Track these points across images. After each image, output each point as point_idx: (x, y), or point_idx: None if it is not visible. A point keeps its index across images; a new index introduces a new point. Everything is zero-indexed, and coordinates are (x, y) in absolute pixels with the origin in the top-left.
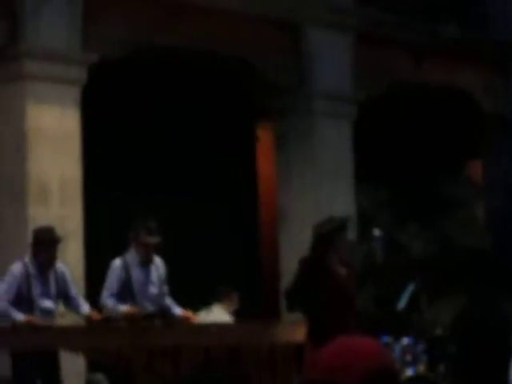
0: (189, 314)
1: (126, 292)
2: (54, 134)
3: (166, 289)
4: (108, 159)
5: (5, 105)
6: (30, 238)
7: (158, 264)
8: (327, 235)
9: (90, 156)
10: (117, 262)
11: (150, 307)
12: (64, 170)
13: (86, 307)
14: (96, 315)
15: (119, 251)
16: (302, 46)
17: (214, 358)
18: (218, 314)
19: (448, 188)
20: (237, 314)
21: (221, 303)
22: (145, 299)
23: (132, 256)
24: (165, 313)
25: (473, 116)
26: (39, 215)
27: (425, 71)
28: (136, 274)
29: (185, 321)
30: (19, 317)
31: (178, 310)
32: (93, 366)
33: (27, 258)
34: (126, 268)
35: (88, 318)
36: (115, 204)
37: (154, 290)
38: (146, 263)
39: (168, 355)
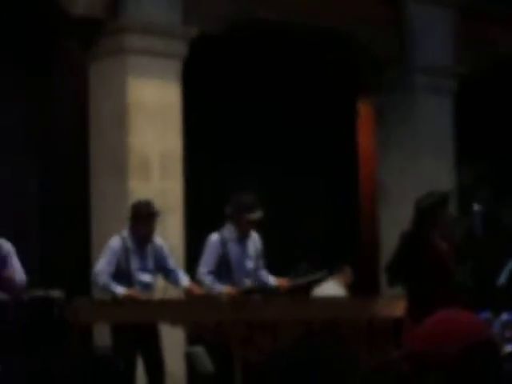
0: (283, 281)
1: (223, 268)
2: (155, 107)
3: (261, 263)
4: (208, 133)
5: (106, 79)
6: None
7: (255, 238)
8: (428, 210)
9: (190, 129)
10: (214, 237)
11: (247, 282)
12: (165, 143)
13: (185, 280)
14: (196, 289)
15: (220, 225)
16: (403, 20)
17: (312, 331)
18: (333, 288)
19: None
20: (350, 287)
21: (335, 277)
22: (242, 274)
23: (229, 231)
24: (263, 287)
25: None
26: (140, 189)
27: None
28: (233, 249)
29: (280, 288)
30: (120, 290)
31: (272, 280)
32: (192, 339)
33: (125, 233)
34: (223, 243)
35: (188, 292)
36: (216, 177)
37: (250, 264)
38: (242, 238)
39: (267, 329)
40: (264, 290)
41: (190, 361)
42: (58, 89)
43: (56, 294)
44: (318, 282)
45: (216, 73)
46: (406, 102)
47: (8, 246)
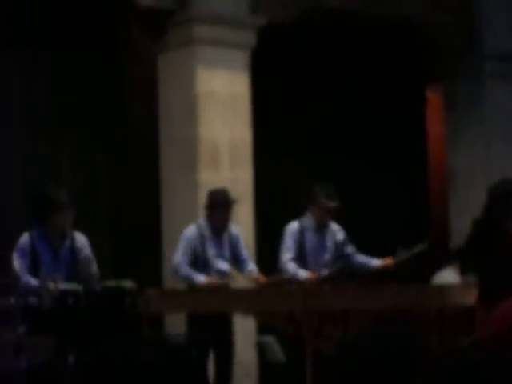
0: (388, 260)
1: (298, 256)
2: (224, 97)
3: (351, 249)
4: (278, 122)
5: (175, 70)
6: (200, 202)
7: (335, 229)
8: (502, 198)
9: (260, 119)
10: (294, 225)
11: (323, 273)
12: (234, 133)
13: (253, 269)
14: (263, 279)
15: (290, 214)
16: (471, 7)
17: (383, 320)
18: (452, 276)
19: None
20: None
21: (453, 265)
22: (317, 265)
23: (308, 220)
24: (346, 271)
25: None
26: (210, 179)
27: None
28: (310, 238)
29: (386, 268)
30: (201, 279)
31: (375, 262)
32: (263, 328)
33: (202, 221)
34: (301, 232)
35: (255, 281)
36: (285, 167)
37: (327, 255)
38: (321, 228)
39: (338, 319)
40: (346, 274)
41: (261, 350)
42: (128, 79)
43: (128, 284)
44: (420, 257)
45: (285, 62)
46: (476, 88)
47: (83, 239)
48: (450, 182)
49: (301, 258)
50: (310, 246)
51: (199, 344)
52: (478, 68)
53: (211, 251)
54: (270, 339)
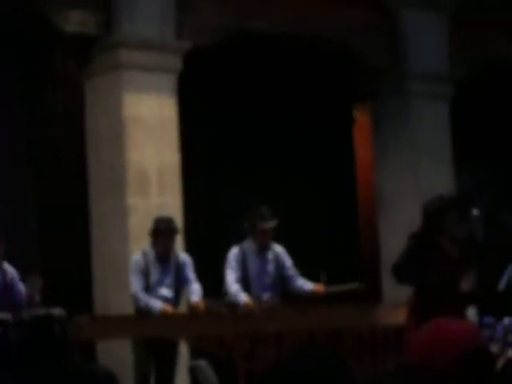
0: (319, 286)
1: (241, 280)
2: (152, 122)
3: (293, 273)
4: (206, 145)
5: (102, 95)
6: (129, 227)
7: (278, 251)
8: (435, 213)
9: (188, 143)
10: (234, 250)
11: (265, 296)
12: (162, 157)
13: (195, 296)
14: (202, 306)
15: (219, 239)
16: (397, 27)
17: (315, 341)
18: None
19: None
20: None
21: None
22: (260, 288)
23: (249, 244)
24: (286, 298)
25: None
26: (138, 204)
27: None
28: (252, 262)
29: (317, 294)
30: (158, 305)
31: (308, 286)
32: (195, 353)
33: (147, 247)
34: (243, 256)
35: (192, 309)
36: (214, 191)
37: (268, 279)
38: (263, 251)
39: (270, 341)
40: (283, 300)
41: (194, 374)
42: (55, 106)
43: (57, 311)
44: (350, 292)
45: (212, 85)
46: (403, 108)
47: (12, 270)
48: (378, 202)
49: (244, 282)
50: (253, 270)
51: (142, 367)
52: (405, 88)
53: (154, 278)
54: (202, 363)
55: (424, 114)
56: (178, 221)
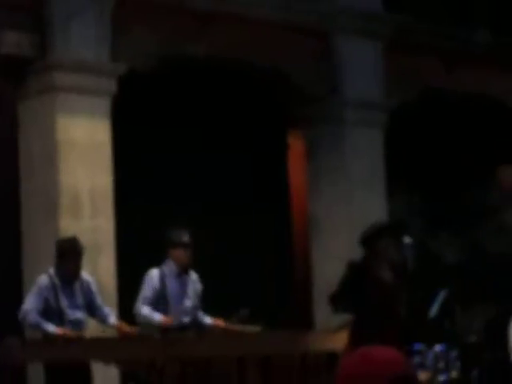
0: (219, 321)
1: (160, 302)
2: (85, 145)
3: (199, 303)
4: (140, 169)
5: (36, 117)
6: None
7: (194, 278)
8: (369, 240)
9: (121, 167)
10: (153, 272)
11: (184, 319)
12: (95, 181)
13: (112, 318)
14: (125, 327)
15: (152, 262)
16: (332, 54)
17: (246, 367)
18: None
19: (480, 194)
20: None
21: None
22: (179, 311)
23: (169, 267)
24: (198, 325)
25: (506, 122)
26: (71, 227)
27: (456, 78)
28: (172, 285)
29: (216, 329)
30: (52, 329)
31: (208, 320)
32: (126, 377)
33: (52, 270)
34: (162, 278)
35: (118, 329)
36: (148, 215)
37: (188, 302)
38: (182, 274)
39: (200, 366)
40: (198, 327)
41: None
42: None
43: None
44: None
45: (147, 109)
46: (336, 135)
47: None
48: (312, 230)
49: (163, 305)
50: (172, 292)
51: None
52: (339, 115)
53: (64, 301)
54: None
55: (358, 141)
56: (111, 244)
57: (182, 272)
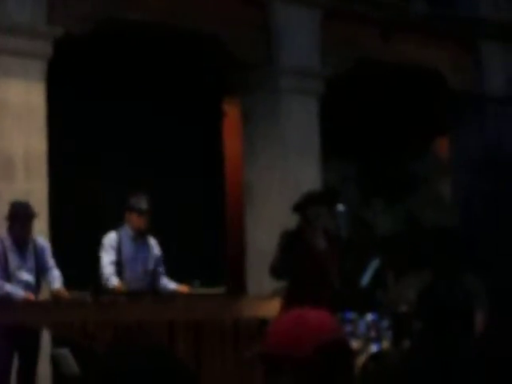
0: (183, 287)
1: (115, 264)
2: (20, 107)
3: (161, 269)
4: (74, 133)
5: None
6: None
7: (152, 244)
8: (296, 207)
9: (56, 130)
10: (111, 235)
11: (136, 283)
12: (29, 143)
13: (57, 283)
14: (64, 293)
15: (84, 226)
16: (269, 22)
17: (177, 331)
18: None
19: (414, 165)
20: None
21: None
22: (132, 275)
23: (125, 231)
24: (158, 290)
25: (440, 93)
26: (3, 190)
27: (393, 47)
28: (126, 249)
29: (180, 294)
30: (20, 293)
31: (172, 286)
32: (57, 341)
33: (4, 233)
34: (118, 242)
35: (56, 294)
36: (81, 178)
37: (141, 267)
38: (138, 238)
39: (132, 330)
40: (154, 292)
41: (56, 362)
42: None
43: None
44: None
45: (82, 73)
46: (272, 102)
47: None
48: (246, 196)
49: (118, 268)
50: (127, 257)
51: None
52: (274, 82)
53: (14, 263)
54: (64, 351)
55: (293, 109)
56: (44, 207)
57: (138, 237)
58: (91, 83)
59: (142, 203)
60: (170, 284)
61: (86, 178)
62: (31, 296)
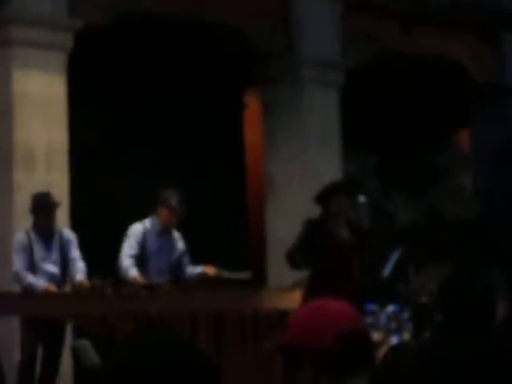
0: (209, 269)
1: (139, 259)
2: (41, 99)
3: (186, 260)
4: (95, 125)
5: None
6: (15, 204)
7: (177, 237)
8: (318, 198)
9: (77, 122)
10: (137, 227)
11: (161, 277)
12: (50, 136)
13: (79, 275)
14: (85, 285)
15: (106, 219)
16: (290, 13)
17: (198, 323)
18: None
19: (436, 156)
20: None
21: None
22: (156, 269)
23: (152, 224)
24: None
25: (462, 85)
26: (25, 182)
27: (413, 39)
28: (152, 242)
29: (206, 276)
30: (41, 284)
31: (198, 270)
32: (78, 333)
33: (29, 225)
34: (144, 234)
35: (76, 287)
36: (103, 171)
37: (166, 260)
38: (164, 233)
39: (153, 322)
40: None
41: (76, 354)
42: None
43: None
44: (239, 280)
45: (103, 65)
46: (293, 94)
47: None
48: (267, 188)
49: (142, 261)
50: (152, 250)
51: (29, 347)
52: (295, 74)
53: (39, 254)
54: (85, 343)
55: (314, 100)
56: (65, 200)
57: (164, 231)
58: (112, 75)
59: (175, 200)
60: (195, 269)
61: (107, 171)
62: (52, 288)
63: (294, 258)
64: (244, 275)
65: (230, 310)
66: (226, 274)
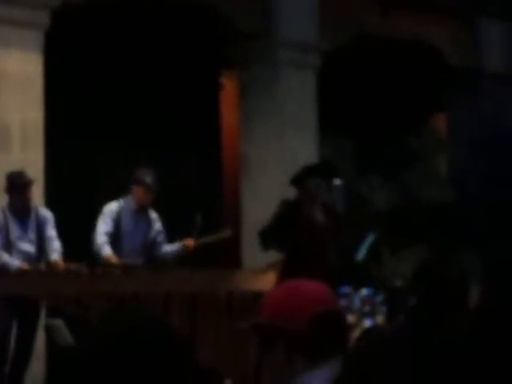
0: (188, 241)
1: (113, 236)
2: (17, 78)
3: (161, 238)
4: (71, 104)
5: None
6: None
7: (153, 217)
8: (294, 180)
9: (53, 100)
10: (112, 205)
11: (134, 256)
12: (26, 114)
13: (55, 254)
14: (60, 264)
15: (81, 197)
16: None
17: (172, 304)
18: None
19: (411, 140)
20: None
21: None
22: (130, 247)
23: (127, 203)
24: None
25: (439, 69)
26: (0, 160)
27: (391, 23)
28: (127, 220)
29: (187, 248)
30: (15, 263)
31: (175, 246)
32: (51, 312)
33: (5, 204)
34: (119, 213)
35: (51, 266)
36: (78, 149)
37: (140, 240)
38: (139, 213)
39: (127, 301)
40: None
41: (50, 333)
42: None
43: None
44: (222, 240)
45: (80, 44)
46: (270, 75)
47: None
48: (243, 169)
49: (116, 239)
50: (127, 229)
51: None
52: (272, 55)
53: (15, 233)
54: (58, 322)
55: (291, 82)
56: (40, 178)
57: (140, 210)
58: (89, 54)
59: (149, 178)
60: (171, 247)
61: (83, 149)
62: (25, 266)
63: (266, 239)
64: (225, 233)
65: (204, 291)
66: (208, 239)
